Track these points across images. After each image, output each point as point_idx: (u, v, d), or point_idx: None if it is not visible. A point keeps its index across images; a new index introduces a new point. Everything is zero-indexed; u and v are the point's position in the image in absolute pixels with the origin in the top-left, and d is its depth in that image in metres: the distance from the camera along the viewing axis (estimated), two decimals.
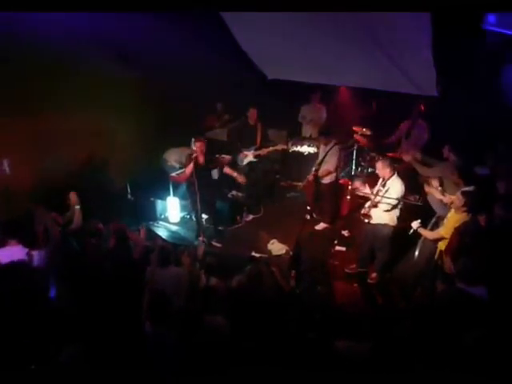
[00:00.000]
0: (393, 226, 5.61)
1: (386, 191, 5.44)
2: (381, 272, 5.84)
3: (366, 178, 6.48)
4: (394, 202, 5.40)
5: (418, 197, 6.35)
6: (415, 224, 5.08)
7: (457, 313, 3.62)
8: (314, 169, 6.74)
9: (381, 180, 5.66)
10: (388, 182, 5.51)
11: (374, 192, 5.59)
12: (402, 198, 5.42)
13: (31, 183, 5.70)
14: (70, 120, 6.29)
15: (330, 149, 6.60)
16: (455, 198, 4.82)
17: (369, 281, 5.87)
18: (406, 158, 6.05)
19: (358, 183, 5.92)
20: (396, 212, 5.55)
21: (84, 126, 6.51)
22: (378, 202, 5.52)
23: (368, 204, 5.64)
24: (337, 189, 6.91)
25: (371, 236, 5.78)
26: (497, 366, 3.08)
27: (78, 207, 5.01)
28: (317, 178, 6.75)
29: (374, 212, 5.61)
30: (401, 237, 5.68)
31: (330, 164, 6.66)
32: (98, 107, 6.73)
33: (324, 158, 6.63)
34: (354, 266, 6.05)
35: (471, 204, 4.66)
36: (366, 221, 5.70)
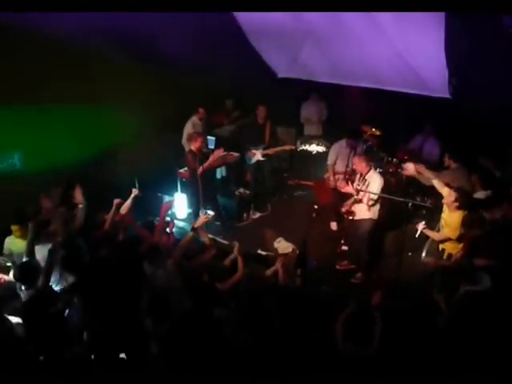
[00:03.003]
0: (374, 221, 5.64)
1: (367, 186, 5.48)
2: (366, 272, 5.83)
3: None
4: (376, 196, 5.46)
5: (426, 198, 6.36)
6: (421, 226, 5.06)
7: (469, 314, 3.66)
8: None
9: (359, 175, 5.71)
10: (367, 177, 5.57)
11: (355, 188, 5.63)
12: (410, 200, 5.41)
13: (40, 177, 5.75)
14: (78, 114, 6.34)
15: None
16: (447, 194, 4.82)
17: (353, 280, 5.86)
18: (407, 172, 5.84)
19: (342, 183, 5.91)
20: (378, 206, 5.59)
21: (92, 121, 6.56)
22: (361, 198, 5.55)
23: (350, 201, 5.68)
24: None
25: (354, 232, 5.82)
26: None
27: (81, 206, 5.04)
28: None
29: (356, 208, 5.65)
30: (385, 235, 5.91)
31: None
32: (107, 102, 6.76)
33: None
34: (346, 262, 6.07)
35: (463, 200, 4.68)
36: (350, 218, 5.73)
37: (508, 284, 4.09)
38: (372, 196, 5.48)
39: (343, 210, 5.82)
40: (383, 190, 5.57)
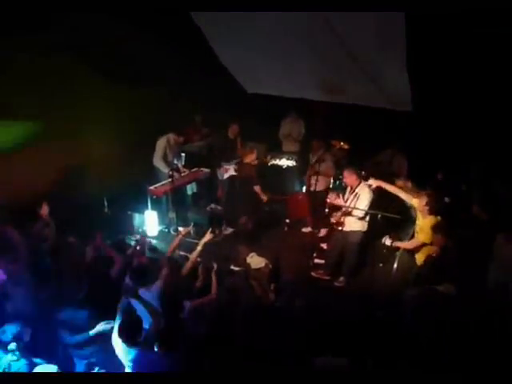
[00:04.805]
0: (363, 232, 5.70)
1: (357, 199, 5.54)
2: (348, 276, 5.90)
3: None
4: (366, 209, 5.49)
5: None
6: (388, 240, 5.17)
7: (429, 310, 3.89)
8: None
9: (349, 188, 5.77)
10: (357, 190, 5.62)
11: (345, 200, 5.70)
12: (381, 212, 5.50)
13: (2, 196, 5.58)
14: (44, 132, 6.21)
15: (323, 154, 6.71)
16: (417, 202, 4.99)
17: (336, 284, 5.94)
18: (372, 187, 5.75)
19: (333, 196, 5.99)
20: (367, 218, 5.65)
21: (59, 138, 6.43)
22: (351, 211, 5.60)
23: (340, 212, 5.73)
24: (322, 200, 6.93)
25: (341, 241, 5.86)
26: None
27: (52, 225, 4.96)
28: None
29: (346, 220, 5.70)
30: (371, 243, 5.89)
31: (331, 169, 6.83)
32: (74, 119, 6.66)
33: (316, 163, 6.73)
34: (322, 271, 6.10)
35: (433, 203, 4.83)
36: (340, 228, 5.77)
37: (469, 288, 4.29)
38: (362, 209, 5.51)
39: (333, 220, 5.84)
40: (373, 203, 5.58)
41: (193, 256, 4.70)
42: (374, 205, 5.63)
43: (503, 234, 4.67)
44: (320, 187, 6.84)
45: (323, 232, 6.82)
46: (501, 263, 4.62)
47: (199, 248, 4.76)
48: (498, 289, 4.52)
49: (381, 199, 6.20)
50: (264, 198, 6.91)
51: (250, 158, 6.92)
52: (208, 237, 4.86)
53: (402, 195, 5.27)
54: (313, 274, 6.09)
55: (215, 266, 4.68)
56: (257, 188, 6.86)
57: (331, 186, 7.41)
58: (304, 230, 7.22)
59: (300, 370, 3.33)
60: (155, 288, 4.18)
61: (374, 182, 5.47)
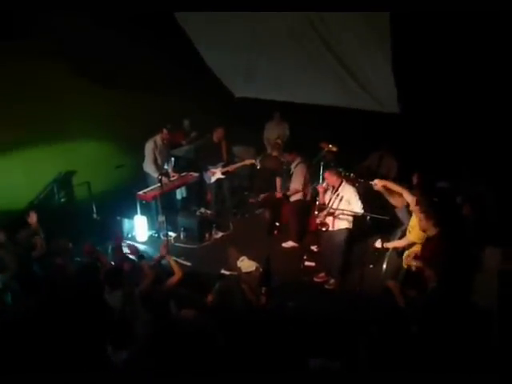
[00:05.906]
0: (349, 230, 5.72)
1: (340, 200, 5.56)
2: (338, 278, 5.91)
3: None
4: (352, 208, 5.52)
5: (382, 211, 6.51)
6: (378, 243, 5.21)
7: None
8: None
9: (331, 188, 5.79)
10: (340, 190, 5.65)
11: (327, 200, 5.71)
12: (369, 213, 5.53)
13: None
14: (32, 136, 6.17)
15: (296, 166, 6.68)
16: (412, 201, 5.02)
17: (327, 286, 5.94)
18: (376, 187, 5.73)
19: (321, 187, 5.97)
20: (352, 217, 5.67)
21: (48, 144, 6.39)
22: (335, 211, 5.62)
23: (324, 213, 5.73)
24: (304, 207, 6.89)
25: (328, 242, 5.87)
26: None
27: (42, 235, 4.94)
28: (284, 196, 6.84)
29: (330, 220, 5.71)
30: (359, 244, 5.93)
31: (297, 182, 6.68)
32: (62, 124, 6.62)
33: (291, 175, 6.68)
34: (323, 274, 6.10)
35: (423, 202, 4.84)
36: (324, 229, 5.78)
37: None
38: (347, 207, 5.55)
39: (317, 221, 5.85)
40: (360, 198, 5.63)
41: (174, 267, 4.68)
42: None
43: (500, 249, 4.69)
44: (297, 197, 6.80)
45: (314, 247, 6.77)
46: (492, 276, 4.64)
47: (172, 261, 4.75)
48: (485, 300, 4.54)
49: (366, 200, 6.28)
50: (279, 194, 6.93)
51: (276, 153, 7.29)
52: (165, 242, 4.90)
53: (404, 192, 5.30)
54: (316, 279, 6.08)
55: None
56: (278, 180, 6.92)
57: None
58: (285, 245, 7.01)
59: (293, 372, 3.32)
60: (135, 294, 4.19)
61: (378, 182, 5.50)
